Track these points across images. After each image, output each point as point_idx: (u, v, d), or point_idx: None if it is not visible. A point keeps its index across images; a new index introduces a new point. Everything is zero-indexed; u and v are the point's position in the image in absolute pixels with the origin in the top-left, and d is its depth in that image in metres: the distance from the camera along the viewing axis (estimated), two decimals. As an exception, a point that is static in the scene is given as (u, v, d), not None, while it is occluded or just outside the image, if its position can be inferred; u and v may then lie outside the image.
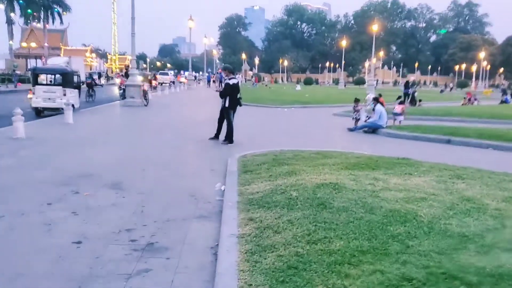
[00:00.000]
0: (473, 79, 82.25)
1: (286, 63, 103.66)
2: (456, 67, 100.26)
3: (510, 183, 6.24)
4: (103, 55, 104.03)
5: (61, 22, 63.33)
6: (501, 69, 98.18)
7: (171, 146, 10.58)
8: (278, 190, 5.73)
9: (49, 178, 6.98)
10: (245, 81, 76.72)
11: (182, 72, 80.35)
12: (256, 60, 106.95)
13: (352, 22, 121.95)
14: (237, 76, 13.40)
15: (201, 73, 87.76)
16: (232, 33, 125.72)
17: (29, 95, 16.91)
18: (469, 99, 31.44)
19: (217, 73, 63.21)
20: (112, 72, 78.28)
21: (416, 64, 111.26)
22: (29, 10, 56.45)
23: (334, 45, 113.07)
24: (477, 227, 4.28)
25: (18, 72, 46.28)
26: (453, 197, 5.34)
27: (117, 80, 32.67)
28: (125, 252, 4.23)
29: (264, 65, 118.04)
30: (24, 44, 63.43)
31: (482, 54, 77.09)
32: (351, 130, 14.51)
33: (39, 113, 16.93)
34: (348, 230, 4.19)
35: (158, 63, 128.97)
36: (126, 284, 3.63)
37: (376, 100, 14.60)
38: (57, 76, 17.65)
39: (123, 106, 22.37)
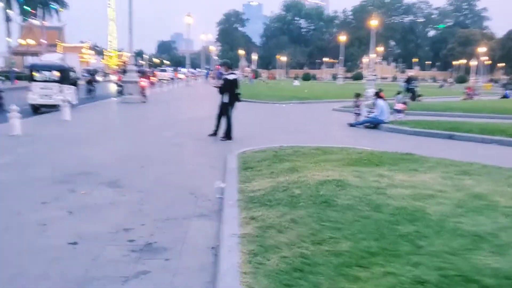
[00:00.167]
0: (472, 74, 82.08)
1: (284, 58, 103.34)
2: (455, 62, 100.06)
3: (518, 179, 6.08)
4: (100, 52, 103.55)
5: (59, 19, 62.94)
6: (501, 64, 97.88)
7: (169, 143, 10.40)
8: (279, 187, 5.56)
9: (45, 176, 6.81)
10: (243, 77, 76.44)
11: (179, 68, 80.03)
12: (254, 56, 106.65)
13: (351, 17, 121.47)
14: (236, 72, 13.18)
15: (198, 69, 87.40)
16: (230, 29, 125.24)
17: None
18: (469, 94, 31.25)
19: (215, 69, 62.97)
20: (109, 69, 77.84)
21: (415, 59, 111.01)
22: (26, 7, 56.01)
23: (332, 41, 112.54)
24: (490, 226, 4.10)
25: (15, 69, 46.02)
26: (462, 194, 5.17)
27: (114, 77, 32.40)
28: (122, 253, 4.06)
29: (262, 61, 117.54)
30: (22, 42, 63.01)
31: (481, 49, 76.88)
32: (352, 125, 14.33)
33: (36, 110, 16.75)
34: (355, 229, 4.02)
35: (156, 60, 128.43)
36: (124, 287, 3.48)
37: (377, 95, 14.40)
38: (54, 72, 17.43)
39: (121, 102, 22.16)
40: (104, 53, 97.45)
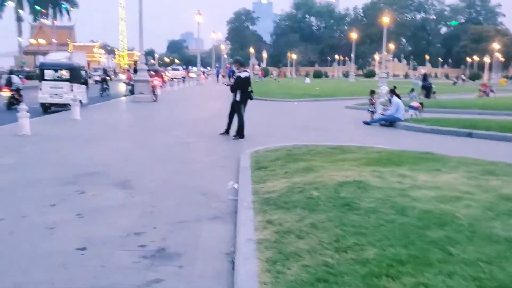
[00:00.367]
0: (485, 70, 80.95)
1: (294, 56, 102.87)
2: (468, 59, 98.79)
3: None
4: (111, 51, 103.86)
5: (69, 18, 63.30)
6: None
7: (180, 142, 10.18)
8: (296, 188, 5.31)
9: (53, 177, 6.63)
10: (253, 75, 76.23)
11: (190, 67, 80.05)
12: (264, 54, 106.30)
13: (362, 14, 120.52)
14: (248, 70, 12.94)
15: (209, 68, 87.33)
16: (240, 28, 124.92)
17: None
18: (485, 91, 30.64)
19: (226, 68, 62.80)
20: (120, 68, 78.06)
21: (427, 57, 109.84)
22: (37, 7, 56.36)
23: (343, 38, 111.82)
24: (526, 231, 3.82)
25: (26, 68, 46.27)
26: (490, 196, 4.87)
27: (123, 76, 32.32)
28: (133, 259, 3.83)
29: (272, 59, 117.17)
30: (32, 41, 63.44)
31: (495, 45, 75.74)
32: (366, 123, 14.01)
33: (46, 109, 16.68)
34: (381, 235, 3.75)
35: (167, 59, 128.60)
36: (134, 297, 3.26)
37: (393, 92, 14.05)
38: (64, 71, 17.32)
39: (132, 101, 22.06)
40: (115, 52, 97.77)
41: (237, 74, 11.00)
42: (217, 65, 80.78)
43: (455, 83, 61.53)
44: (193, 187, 6.25)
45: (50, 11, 59.02)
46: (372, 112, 14.67)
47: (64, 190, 5.90)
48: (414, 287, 2.88)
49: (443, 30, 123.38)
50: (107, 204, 5.37)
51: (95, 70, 45.85)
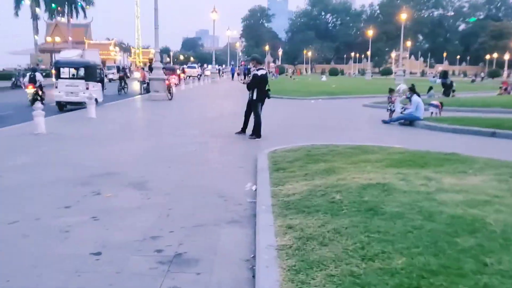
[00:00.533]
0: (505, 68, 79.40)
1: (310, 54, 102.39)
2: (487, 56, 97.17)
3: None
4: (126, 49, 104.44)
5: (85, 16, 63.73)
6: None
7: (196, 141, 10.04)
8: (317, 191, 5.12)
9: (68, 177, 6.54)
10: (268, 73, 75.97)
11: (205, 65, 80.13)
12: (279, 52, 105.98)
13: (378, 11, 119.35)
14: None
15: (224, 66, 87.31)
16: (255, 25, 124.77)
17: None
18: (506, 89, 29.92)
19: (240, 65, 62.66)
20: (135, 66, 78.46)
21: (444, 54, 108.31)
22: (53, 5, 56.87)
23: (359, 36, 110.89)
24: None
25: (42, 66, 46.71)
26: (522, 200, 4.63)
27: (138, 74, 32.34)
28: (149, 266, 3.69)
29: (287, 57, 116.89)
30: (49, 39, 64.05)
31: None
32: (385, 122, 13.72)
33: (62, 107, 16.71)
34: (408, 242, 3.54)
35: (182, 57, 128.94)
36: (151, 307, 3.11)
37: (413, 90, 13.71)
38: (80, 69, 17.33)
39: (147, 100, 22.05)
40: (131, 50, 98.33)
41: (254, 72, 10.81)
42: (232, 63, 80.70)
43: (473, 81, 60.51)
44: (210, 188, 6.11)
45: (66, 9, 59.47)
46: (391, 111, 14.37)
47: (79, 191, 5.81)
48: (449, 302, 2.68)
49: (462, 27, 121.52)
50: (122, 206, 5.25)
51: (109, 68, 46.02)
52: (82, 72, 17.12)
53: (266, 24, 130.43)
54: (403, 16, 45.19)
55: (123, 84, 27.20)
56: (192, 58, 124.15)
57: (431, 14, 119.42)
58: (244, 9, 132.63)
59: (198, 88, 34.97)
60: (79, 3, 60.24)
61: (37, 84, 17.99)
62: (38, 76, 18.57)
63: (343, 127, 13.19)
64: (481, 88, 38.22)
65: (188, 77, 42.64)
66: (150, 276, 3.51)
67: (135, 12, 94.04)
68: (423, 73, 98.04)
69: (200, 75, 49.05)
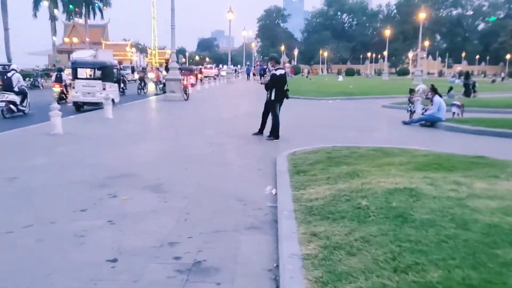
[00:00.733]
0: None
1: (326, 54, 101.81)
2: (507, 56, 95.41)
3: None
4: (142, 50, 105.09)
5: (102, 17, 64.19)
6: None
7: (213, 143, 9.87)
8: (341, 196, 4.89)
9: (85, 179, 6.41)
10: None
11: (221, 65, 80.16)
12: (295, 52, 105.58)
13: (395, 11, 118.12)
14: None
15: (239, 66, 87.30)
16: (271, 25, 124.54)
17: None
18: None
19: (256, 65, 62.49)
20: (151, 67, 78.97)
21: (463, 54, 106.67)
22: (71, 6, 57.41)
23: (376, 35, 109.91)
24: None
25: (62, 67, 47.09)
26: (562, 208, 4.34)
27: (152, 75, 32.27)
28: (168, 274, 3.52)
29: (303, 57, 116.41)
30: (66, 40, 64.77)
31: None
32: (406, 123, 13.40)
33: (79, 108, 16.71)
34: (444, 253, 3.30)
35: (197, 57, 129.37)
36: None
37: (435, 90, 13.34)
38: (97, 70, 17.32)
39: (163, 100, 21.99)
40: (147, 50, 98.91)
41: (272, 71, 10.60)
42: (248, 63, 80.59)
43: (493, 81, 59.41)
44: (228, 191, 5.92)
45: (84, 10, 60.01)
46: (412, 112, 14.03)
47: (96, 194, 5.67)
48: (494, 322, 2.45)
49: (481, 26, 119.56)
50: (139, 210, 5.09)
51: (124, 68, 46.35)
52: (99, 72, 17.09)
53: (281, 24, 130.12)
54: (421, 16, 44.47)
55: (143, 84, 27.34)
56: (207, 59, 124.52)
57: (449, 14, 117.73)
58: (260, 9, 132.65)
59: (213, 88, 34.89)
60: (96, 4, 60.70)
61: (63, 83, 19.48)
62: (64, 75, 19.87)
63: (363, 128, 12.90)
64: (502, 89, 37.42)
65: (205, 77, 42.70)
66: (168, 286, 3.34)
67: (152, 13, 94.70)
68: (440, 73, 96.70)
69: (217, 75, 49.20)
